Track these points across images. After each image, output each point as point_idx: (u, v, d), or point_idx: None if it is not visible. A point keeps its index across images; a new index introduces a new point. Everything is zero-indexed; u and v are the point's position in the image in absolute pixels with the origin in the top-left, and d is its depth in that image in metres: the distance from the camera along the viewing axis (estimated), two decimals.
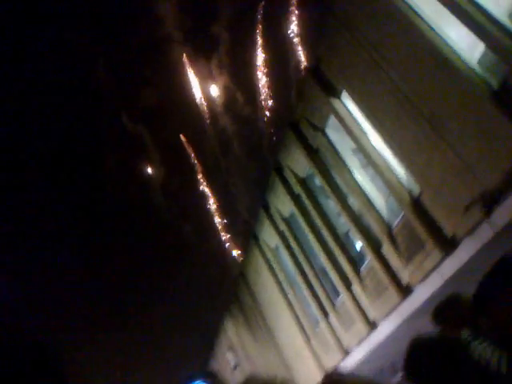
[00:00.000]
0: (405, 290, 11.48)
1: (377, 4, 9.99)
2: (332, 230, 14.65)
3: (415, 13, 9.33)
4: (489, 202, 8.05)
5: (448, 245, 9.73)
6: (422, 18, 9.27)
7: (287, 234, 17.35)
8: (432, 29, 9.14)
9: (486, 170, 8.54)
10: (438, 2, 8.74)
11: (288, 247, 17.48)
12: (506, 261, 2.40)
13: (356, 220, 13.27)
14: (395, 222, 11.66)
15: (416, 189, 10.70)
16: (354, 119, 12.03)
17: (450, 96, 9.06)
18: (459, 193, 9.25)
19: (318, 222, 14.97)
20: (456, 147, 9.03)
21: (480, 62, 8.75)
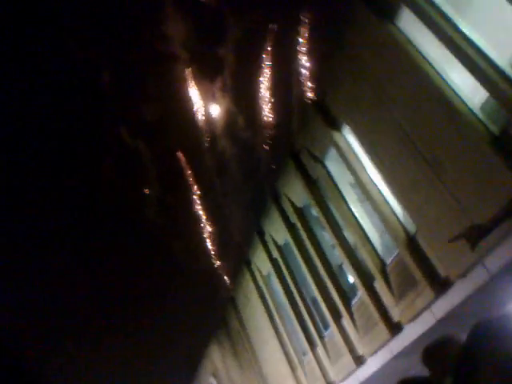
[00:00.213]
0: (395, 328, 11.45)
1: (385, 43, 10.22)
2: (325, 261, 14.67)
3: (422, 55, 9.57)
4: (474, 238, 8.15)
5: (441, 285, 9.76)
6: (427, 61, 9.49)
7: (280, 261, 17.35)
8: (437, 72, 9.35)
9: (481, 213, 8.63)
10: (443, 47, 8.98)
11: (280, 275, 17.46)
12: (479, 328, 2.53)
13: (350, 253, 13.31)
14: (389, 259, 11.71)
15: (412, 227, 10.78)
16: (354, 153, 12.19)
17: (450, 139, 9.22)
18: (454, 234, 9.33)
19: (312, 252, 15.00)
20: (453, 189, 9.15)
21: (482, 107, 8.93)
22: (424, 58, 9.60)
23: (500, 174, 8.37)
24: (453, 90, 9.16)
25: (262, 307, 19.27)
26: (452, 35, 8.71)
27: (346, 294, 13.99)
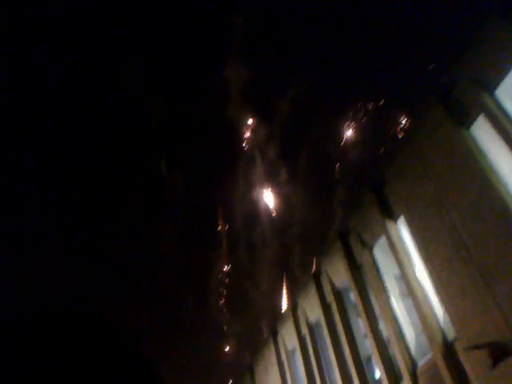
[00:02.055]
0: None
1: (456, 147, 10.42)
2: (354, 350, 14.26)
3: (491, 165, 9.69)
4: (497, 356, 8.03)
5: None
6: (495, 171, 9.59)
7: (308, 339, 16.97)
8: (504, 184, 9.41)
9: None
10: None
11: (305, 354, 17.03)
12: None
13: (382, 347, 12.94)
14: (421, 361, 11.32)
15: (451, 333, 10.48)
16: (405, 246, 12.15)
17: (507, 253, 9.10)
18: (494, 349, 9.00)
19: (343, 337, 14.66)
20: (502, 303, 8.94)
21: None
22: (492, 168, 9.72)
23: None
24: None
25: (280, 383, 18.69)
26: None
27: None
